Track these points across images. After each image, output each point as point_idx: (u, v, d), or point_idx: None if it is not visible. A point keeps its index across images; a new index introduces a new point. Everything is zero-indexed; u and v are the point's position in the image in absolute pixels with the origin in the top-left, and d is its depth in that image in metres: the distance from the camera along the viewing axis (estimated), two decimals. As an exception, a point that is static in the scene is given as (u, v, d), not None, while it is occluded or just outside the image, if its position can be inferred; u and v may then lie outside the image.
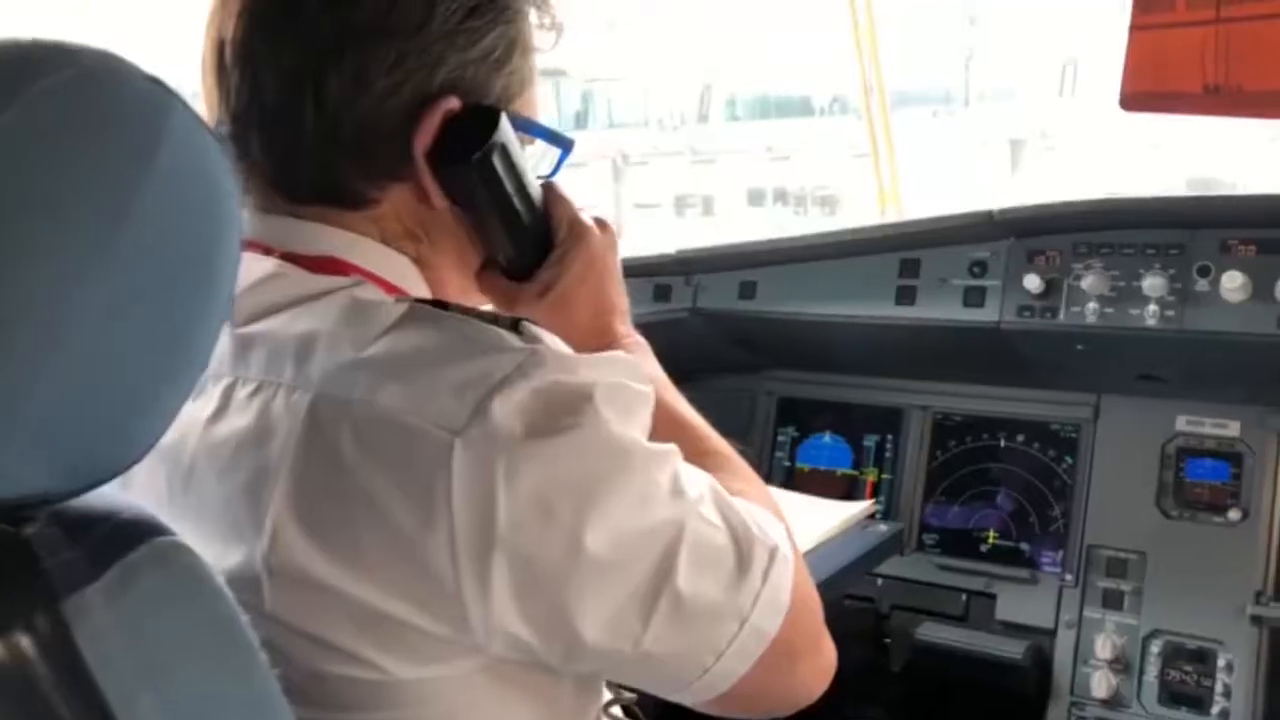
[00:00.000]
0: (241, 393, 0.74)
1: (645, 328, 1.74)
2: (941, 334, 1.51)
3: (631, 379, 0.75)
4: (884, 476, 1.73)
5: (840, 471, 1.77)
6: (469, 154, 0.78)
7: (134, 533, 0.58)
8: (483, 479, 0.67)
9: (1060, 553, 1.59)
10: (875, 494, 1.73)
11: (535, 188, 0.87)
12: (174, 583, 0.58)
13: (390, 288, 0.80)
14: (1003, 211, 1.45)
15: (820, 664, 0.85)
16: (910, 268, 1.52)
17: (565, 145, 0.89)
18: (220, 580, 0.60)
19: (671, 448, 0.75)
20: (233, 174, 0.62)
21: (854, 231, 1.59)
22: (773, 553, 0.77)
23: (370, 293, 0.76)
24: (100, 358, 0.55)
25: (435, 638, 0.69)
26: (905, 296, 1.52)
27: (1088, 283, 1.40)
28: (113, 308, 0.54)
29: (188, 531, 0.72)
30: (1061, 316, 1.42)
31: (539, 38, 0.84)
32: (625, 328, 0.94)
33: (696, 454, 0.83)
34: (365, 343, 0.71)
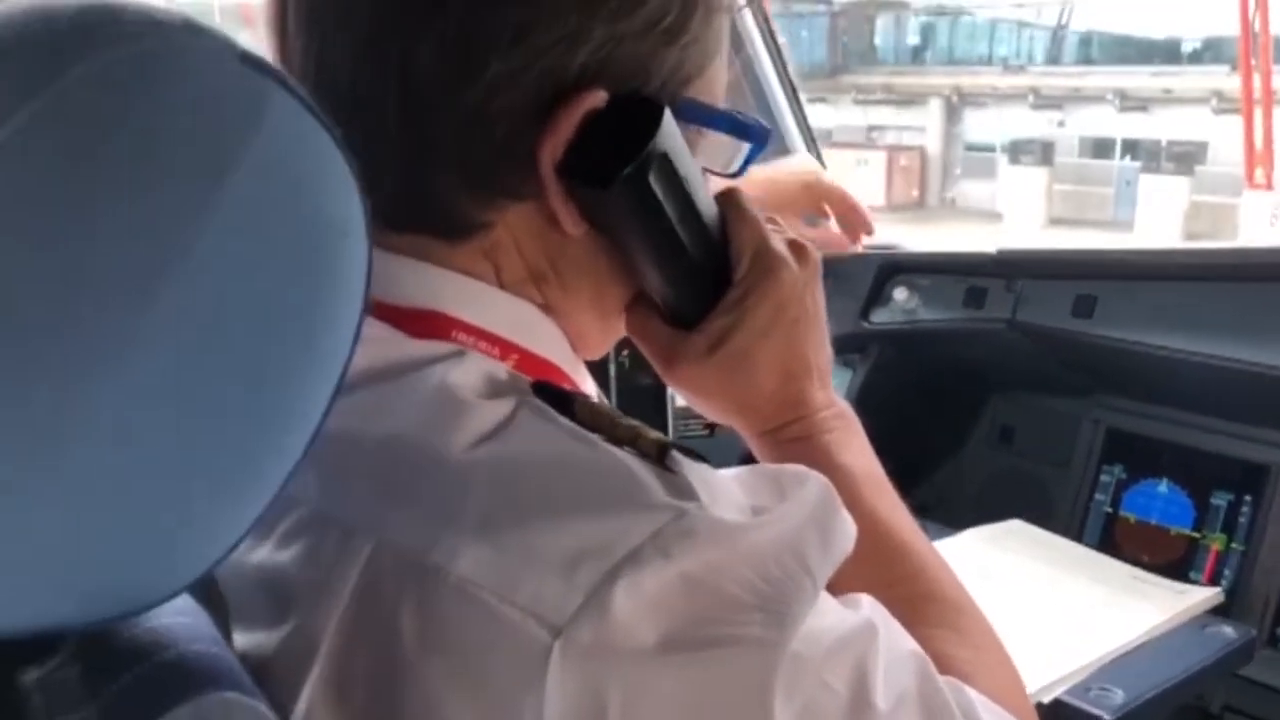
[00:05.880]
0: (288, 519, 0.53)
1: (949, 335, 1.51)
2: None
3: (825, 524, 0.52)
4: (1233, 546, 1.39)
5: (1175, 530, 1.44)
6: (617, 167, 0.55)
7: (176, 683, 0.42)
8: (589, 708, 0.45)
9: None
10: (1218, 566, 1.40)
11: (708, 206, 0.62)
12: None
13: (508, 349, 0.58)
14: None
15: None
16: (1317, 307, 1.17)
17: (758, 138, 0.63)
18: None
19: (864, 628, 0.52)
20: (359, 193, 0.44)
21: (1240, 252, 1.24)
22: None
23: (469, 370, 0.54)
24: (132, 455, 0.39)
25: None
26: (1305, 345, 1.17)
27: None
28: (158, 388, 0.38)
29: None
30: None
31: None
32: (824, 394, 0.68)
33: (908, 600, 0.60)
34: (450, 465, 0.50)
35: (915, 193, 20.01)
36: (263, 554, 0.54)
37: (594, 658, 0.45)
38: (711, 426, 1.48)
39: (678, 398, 1.41)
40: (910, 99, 21.05)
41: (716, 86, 0.60)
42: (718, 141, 0.62)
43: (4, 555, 0.38)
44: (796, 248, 0.66)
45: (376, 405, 0.53)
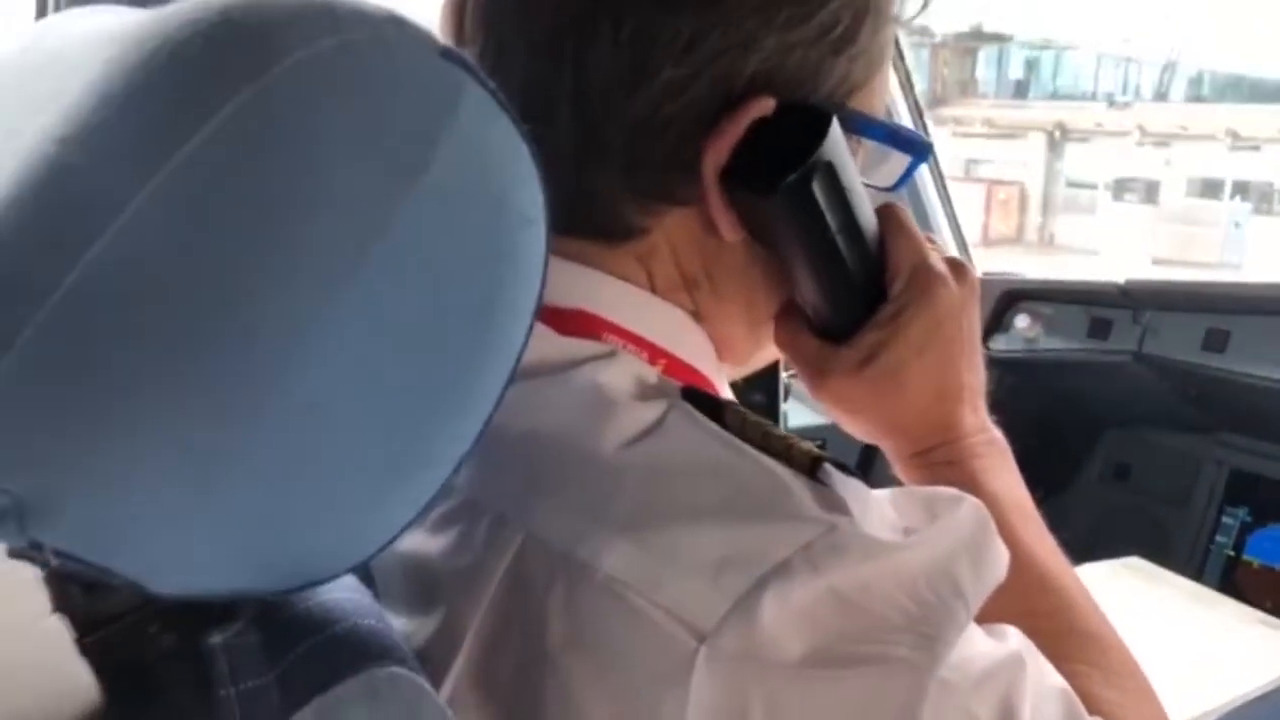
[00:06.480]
0: (440, 507, 0.54)
1: (1071, 365, 1.48)
2: None
3: (979, 549, 0.51)
4: (1365, 596, 1.35)
5: (1303, 578, 1.40)
6: (779, 175, 0.54)
7: (348, 655, 0.44)
8: (729, 716, 0.45)
9: None
10: (1349, 616, 1.35)
11: (869, 219, 0.61)
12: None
13: (656, 353, 0.58)
14: None
15: None
16: None
17: (919, 151, 0.62)
18: None
19: (1012, 659, 0.50)
20: (541, 183, 0.45)
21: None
22: None
23: (620, 372, 0.54)
24: (321, 432, 0.40)
25: None
26: None
27: None
28: (348, 367, 0.39)
29: None
30: None
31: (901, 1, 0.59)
32: (976, 418, 0.65)
33: (1053, 634, 0.57)
34: (601, 463, 0.51)
35: (1013, 227, 19.68)
36: (413, 540, 0.55)
37: (738, 667, 0.45)
38: (821, 444, 1.46)
39: (790, 415, 1.40)
40: (1011, 133, 20.75)
41: (878, 99, 0.60)
42: (876, 153, 0.62)
43: (197, 523, 0.39)
44: (955, 266, 0.65)
45: (529, 400, 0.53)
